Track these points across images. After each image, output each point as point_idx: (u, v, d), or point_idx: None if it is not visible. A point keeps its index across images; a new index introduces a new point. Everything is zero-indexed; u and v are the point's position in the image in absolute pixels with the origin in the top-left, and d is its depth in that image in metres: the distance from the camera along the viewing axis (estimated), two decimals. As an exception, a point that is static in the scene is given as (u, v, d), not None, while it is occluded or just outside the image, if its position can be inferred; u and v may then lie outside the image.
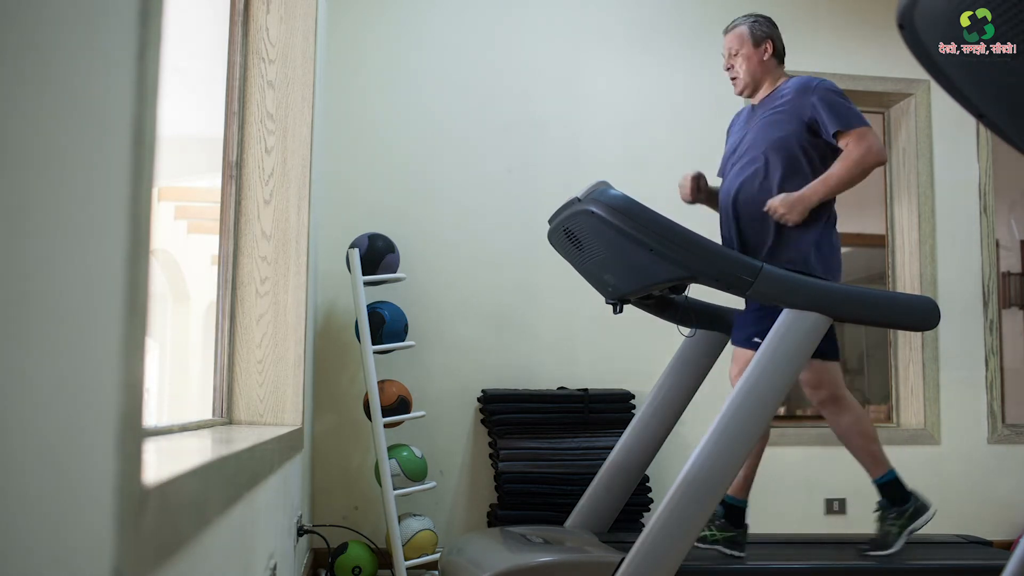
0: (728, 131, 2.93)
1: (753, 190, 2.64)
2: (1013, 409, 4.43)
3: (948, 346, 4.09)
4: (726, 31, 2.81)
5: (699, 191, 2.82)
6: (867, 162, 2.52)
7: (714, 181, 2.89)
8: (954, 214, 4.18)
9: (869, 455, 2.69)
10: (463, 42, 3.87)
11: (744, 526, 2.70)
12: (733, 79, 2.79)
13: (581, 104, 3.93)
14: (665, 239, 2.32)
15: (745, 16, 2.80)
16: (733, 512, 2.68)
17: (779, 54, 2.78)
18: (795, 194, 2.55)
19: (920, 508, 2.67)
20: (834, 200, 2.67)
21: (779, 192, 2.59)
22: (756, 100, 2.79)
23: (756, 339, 2.54)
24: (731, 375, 2.73)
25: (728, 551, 2.62)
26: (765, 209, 2.57)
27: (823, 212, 2.62)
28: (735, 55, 2.76)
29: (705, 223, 2.79)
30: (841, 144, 2.56)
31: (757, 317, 2.60)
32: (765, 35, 2.75)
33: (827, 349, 2.55)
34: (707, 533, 2.63)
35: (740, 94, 2.82)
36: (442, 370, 3.65)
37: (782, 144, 2.63)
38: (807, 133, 2.61)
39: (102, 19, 0.51)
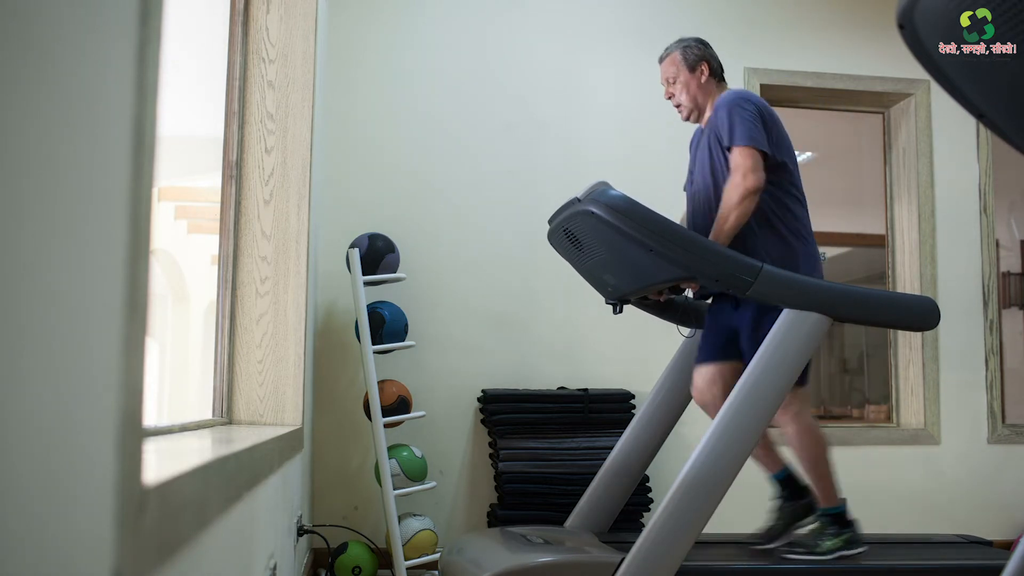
0: (689, 146, 2.89)
1: (705, 218, 2.63)
2: (1013, 409, 4.43)
3: (948, 346, 4.09)
4: (660, 60, 2.80)
5: None
6: (744, 190, 2.45)
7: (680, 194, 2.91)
8: (954, 214, 4.18)
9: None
10: (463, 42, 3.87)
11: (851, 523, 2.65)
12: (677, 107, 2.78)
13: (581, 104, 3.93)
14: (665, 239, 2.33)
15: (677, 42, 2.78)
16: (835, 516, 2.64)
17: (716, 73, 2.75)
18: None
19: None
20: (805, 214, 2.63)
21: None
22: (703, 122, 2.77)
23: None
24: (699, 392, 2.69)
25: (852, 552, 2.59)
26: None
27: (790, 242, 2.58)
28: (673, 83, 2.75)
29: (705, 223, 2.79)
30: (731, 163, 2.52)
31: (732, 336, 2.59)
32: (698, 58, 2.73)
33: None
34: (828, 544, 2.58)
35: (687, 120, 2.80)
36: (442, 370, 3.65)
37: (717, 171, 2.61)
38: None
39: (102, 19, 0.51)
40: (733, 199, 2.48)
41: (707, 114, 2.74)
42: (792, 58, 4.08)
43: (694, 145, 2.83)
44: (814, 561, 2.55)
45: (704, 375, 2.69)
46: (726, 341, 2.65)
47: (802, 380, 2.55)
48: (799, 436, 2.58)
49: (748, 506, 3.21)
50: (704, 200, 2.67)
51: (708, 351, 2.69)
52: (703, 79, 2.72)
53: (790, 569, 2.57)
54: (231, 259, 2.23)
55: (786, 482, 2.74)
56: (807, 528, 2.68)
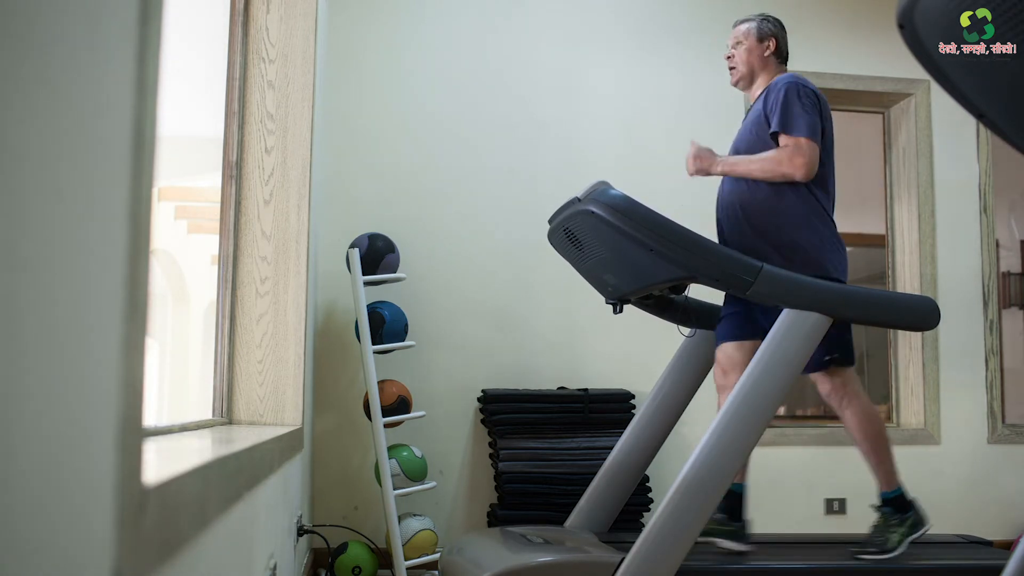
0: None
1: (737, 196, 2.66)
2: (1013, 409, 4.43)
3: (948, 346, 4.09)
4: (736, 24, 2.86)
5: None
6: (781, 169, 2.54)
7: None
8: (954, 214, 4.18)
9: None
10: (463, 42, 3.87)
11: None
12: (731, 68, 2.83)
13: (581, 104, 3.93)
14: (665, 239, 2.33)
15: (758, 14, 2.87)
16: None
17: (781, 54, 2.82)
18: (709, 153, 2.64)
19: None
20: (829, 202, 2.67)
21: (763, 195, 2.61)
22: (751, 98, 2.82)
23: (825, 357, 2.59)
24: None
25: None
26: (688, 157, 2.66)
27: (814, 216, 2.61)
28: (737, 46, 2.81)
29: (706, 223, 2.79)
30: (779, 143, 2.57)
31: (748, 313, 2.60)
32: (770, 33, 2.80)
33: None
34: (895, 537, 2.62)
35: (735, 84, 2.86)
36: (442, 370, 3.65)
37: (758, 147, 2.65)
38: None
39: (102, 19, 0.51)
40: (773, 168, 2.54)
41: (757, 88, 2.79)
42: (792, 58, 4.06)
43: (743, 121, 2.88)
44: (888, 561, 2.59)
45: (729, 354, 2.68)
46: (748, 319, 2.66)
47: (849, 359, 2.64)
48: (857, 418, 2.64)
49: (749, 506, 3.20)
50: (732, 181, 2.69)
51: (732, 329, 2.69)
52: (767, 53, 2.79)
53: (790, 568, 2.57)
54: (231, 259, 2.23)
55: (733, 499, 2.70)
56: (872, 524, 2.71)
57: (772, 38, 2.79)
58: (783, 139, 2.55)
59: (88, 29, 0.49)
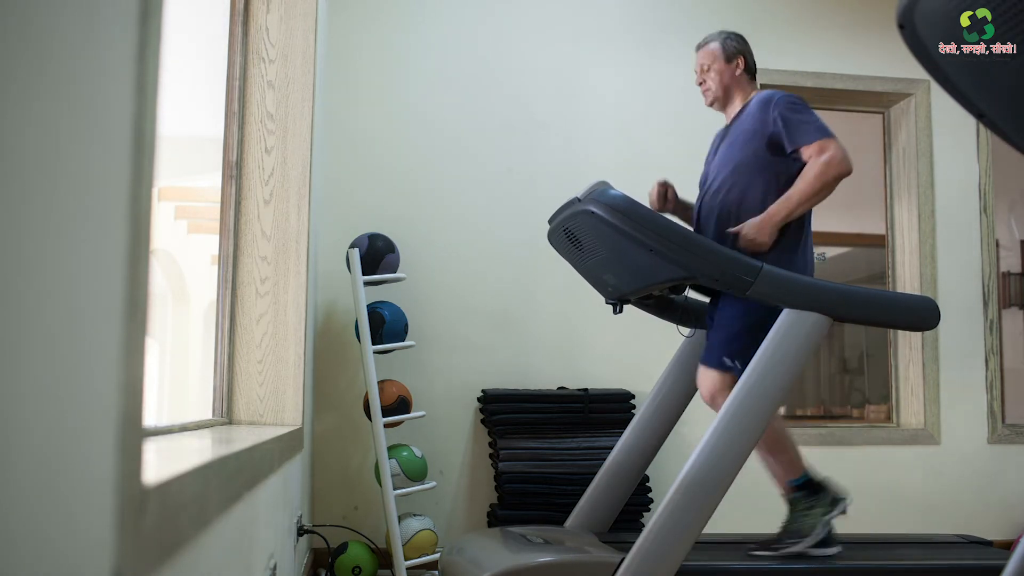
0: (712, 145, 2.93)
1: (724, 216, 2.64)
2: (1013, 409, 4.42)
3: (948, 346, 4.09)
4: (698, 48, 2.84)
5: (666, 200, 2.81)
6: (827, 175, 2.50)
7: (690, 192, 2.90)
8: (954, 214, 4.18)
9: (781, 464, 2.64)
10: (463, 42, 3.87)
11: (821, 484, 2.60)
12: (705, 91, 2.83)
13: (580, 104, 3.93)
14: (665, 239, 2.33)
15: (717, 33, 2.84)
16: (803, 484, 2.60)
17: (751, 70, 2.81)
18: (759, 217, 2.55)
19: (836, 498, 2.60)
20: (808, 224, 2.65)
21: (748, 215, 2.59)
22: (728, 117, 2.82)
23: (726, 359, 2.54)
24: (702, 395, 2.67)
25: (838, 511, 2.56)
26: (734, 236, 2.55)
27: (797, 237, 2.60)
28: (707, 70, 2.80)
29: (705, 223, 2.78)
30: (804, 158, 2.55)
31: (726, 337, 2.58)
32: (737, 51, 2.79)
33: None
34: (810, 520, 2.55)
35: (710, 105, 2.84)
36: (442, 370, 3.65)
37: (747, 166, 2.63)
38: (769, 151, 2.61)
39: (102, 19, 0.51)
40: (823, 181, 2.50)
41: (733, 107, 2.78)
42: (792, 58, 4.07)
43: (716, 143, 2.85)
44: (811, 544, 2.53)
45: (709, 379, 2.66)
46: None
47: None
48: None
49: (748, 506, 3.21)
50: (717, 196, 2.67)
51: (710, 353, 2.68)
52: (737, 71, 2.78)
53: (788, 569, 2.57)
54: (231, 259, 2.23)
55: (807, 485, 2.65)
56: (785, 519, 2.64)
57: (739, 56, 2.78)
58: (807, 150, 2.53)
59: (87, 28, 0.49)
